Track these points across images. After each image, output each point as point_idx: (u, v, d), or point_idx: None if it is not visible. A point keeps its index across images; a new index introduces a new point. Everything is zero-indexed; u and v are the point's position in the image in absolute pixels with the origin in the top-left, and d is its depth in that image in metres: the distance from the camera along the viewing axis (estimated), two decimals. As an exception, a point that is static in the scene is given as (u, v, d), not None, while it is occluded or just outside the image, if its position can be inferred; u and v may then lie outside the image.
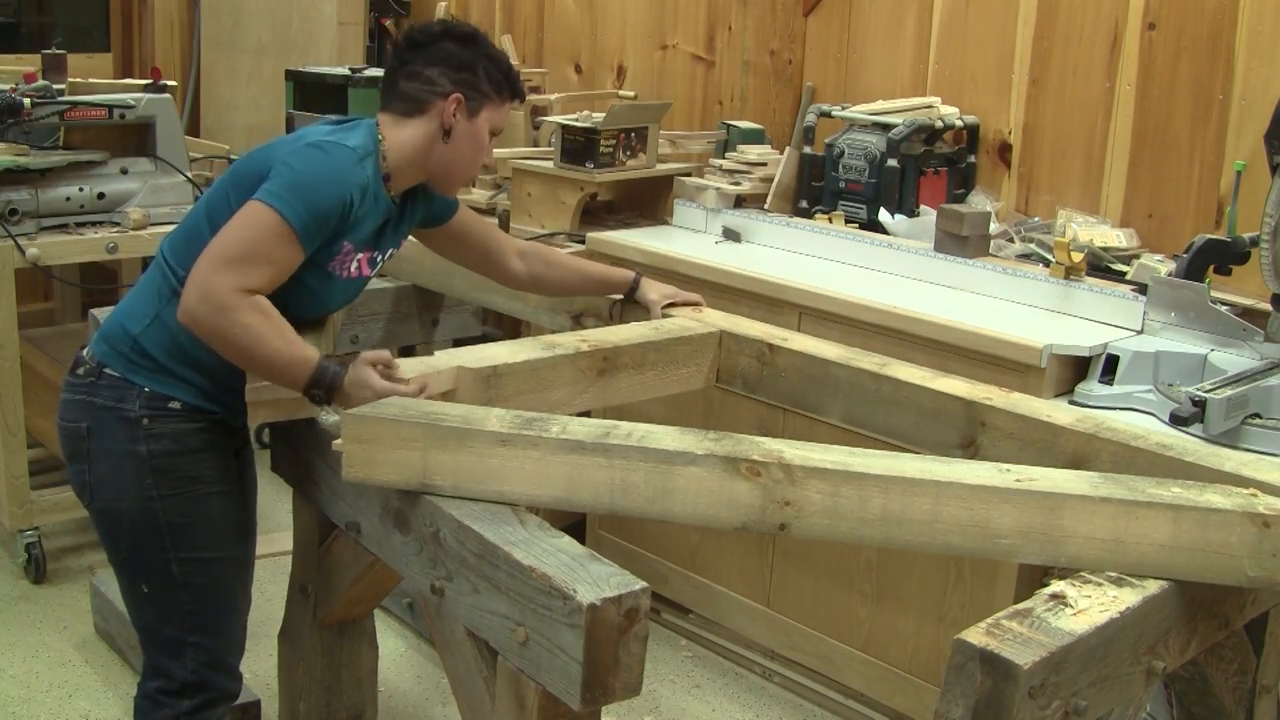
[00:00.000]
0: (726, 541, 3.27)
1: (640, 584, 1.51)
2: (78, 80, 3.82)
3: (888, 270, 3.19)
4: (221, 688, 2.15)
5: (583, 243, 3.54)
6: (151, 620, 2.13)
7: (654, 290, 2.53)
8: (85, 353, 2.11)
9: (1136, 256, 3.03)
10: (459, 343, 3.30)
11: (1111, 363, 2.60)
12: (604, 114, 3.61)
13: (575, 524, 3.60)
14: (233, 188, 2.02)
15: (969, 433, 2.09)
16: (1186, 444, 1.94)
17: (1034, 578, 2.44)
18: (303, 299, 2.05)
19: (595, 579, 1.51)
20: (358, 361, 1.89)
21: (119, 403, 2.04)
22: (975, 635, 1.46)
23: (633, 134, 3.63)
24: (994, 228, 3.21)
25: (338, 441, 1.80)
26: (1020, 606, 1.54)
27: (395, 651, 3.31)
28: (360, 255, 2.11)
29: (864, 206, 3.39)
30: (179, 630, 2.11)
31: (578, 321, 2.67)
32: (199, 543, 2.09)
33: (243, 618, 2.20)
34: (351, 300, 2.27)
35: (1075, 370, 2.66)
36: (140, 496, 2.05)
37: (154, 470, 2.04)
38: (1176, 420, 2.29)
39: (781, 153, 3.63)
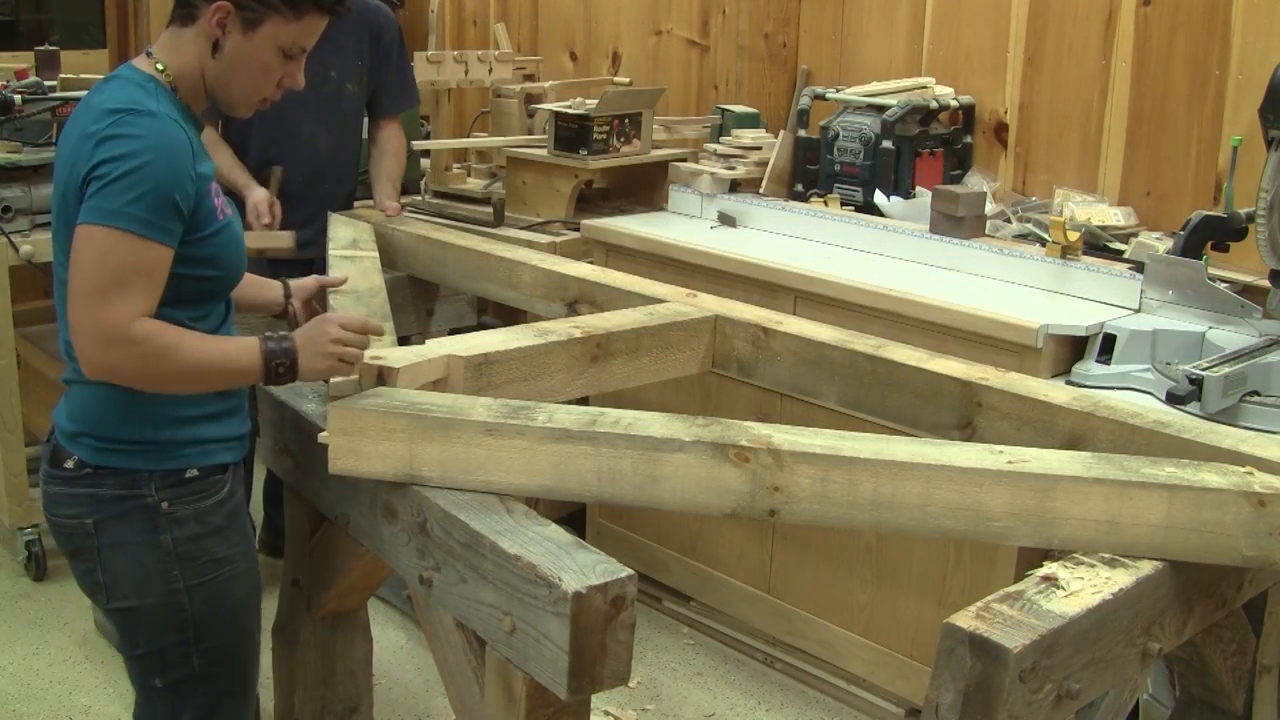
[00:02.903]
0: (726, 528, 3.26)
1: (626, 571, 1.50)
2: (70, 76, 3.81)
3: (883, 253, 3.17)
4: None
5: (578, 230, 3.53)
6: (162, 715, 1.96)
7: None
8: (55, 447, 1.90)
9: (1134, 235, 3.01)
10: (454, 332, 3.29)
11: (1109, 342, 2.58)
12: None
13: (576, 513, 3.59)
14: (63, 222, 1.79)
15: (966, 413, 2.08)
16: (1184, 421, 1.93)
17: (1034, 560, 2.43)
18: (229, 253, 1.89)
19: (581, 567, 1.49)
20: (307, 324, 1.85)
21: (132, 489, 1.85)
22: (964, 619, 1.44)
23: (626, 120, 3.61)
24: (991, 208, 3.19)
25: (324, 434, 1.78)
26: (1011, 589, 1.52)
27: (395, 643, 3.31)
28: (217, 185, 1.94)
29: (859, 189, 3.36)
30: None
31: (572, 309, 2.66)
32: (222, 630, 1.93)
33: (254, 700, 2.07)
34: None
35: (1072, 350, 2.63)
36: (166, 590, 1.87)
37: (180, 559, 1.86)
38: (1173, 399, 2.27)
39: (776, 136, 3.61)
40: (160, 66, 1.84)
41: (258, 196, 3.06)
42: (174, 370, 1.74)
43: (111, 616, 1.94)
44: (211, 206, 1.85)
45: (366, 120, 3.51)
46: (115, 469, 1.84)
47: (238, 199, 3.00)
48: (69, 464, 1.86)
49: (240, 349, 1.80)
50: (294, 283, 2.28)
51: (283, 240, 3.00)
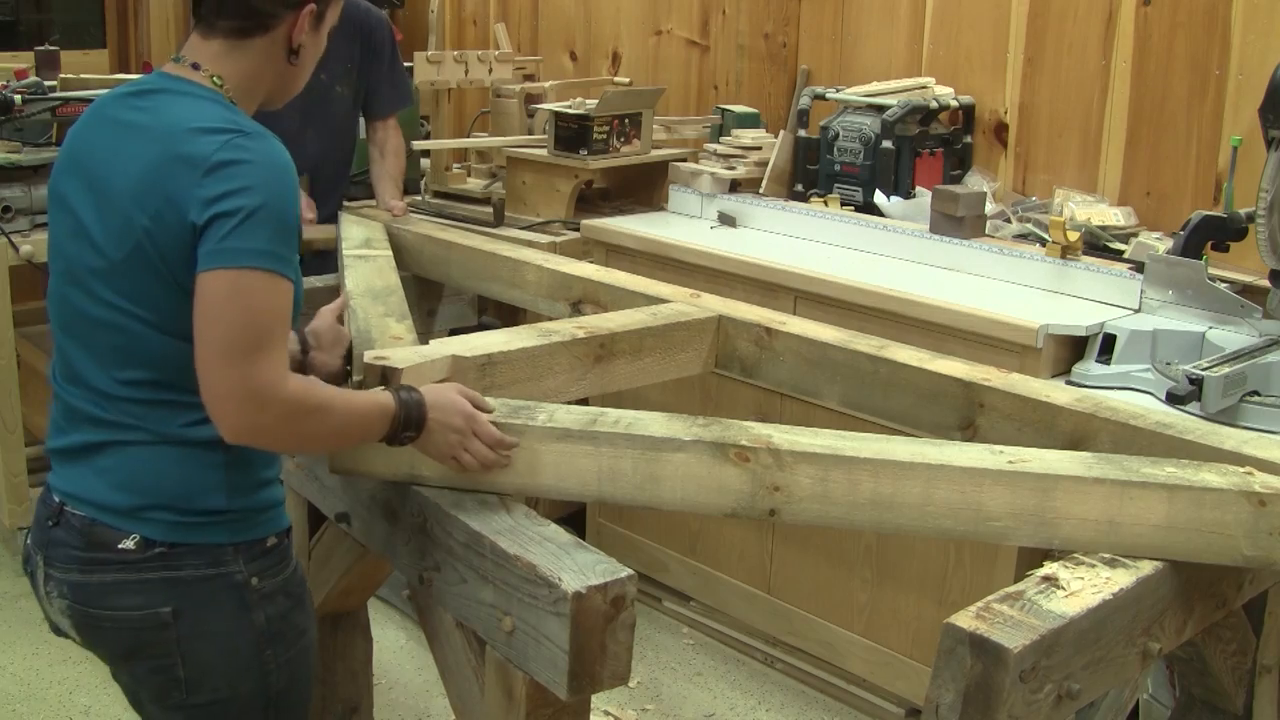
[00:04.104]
0: (727, 528, 3.26)
1: (626, 571, 1.49)
2: (69, 76, 3.81)
3: (883, 253, 3.17)
4: None
5: (578, 230, 3.53)
6: None
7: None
8: (92, 524, 1.63)
9: (1134, 235, 3.01)
10: (455, 332, 3.29)
11: (1109, 342, 2.58)
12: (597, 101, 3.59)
13: (576, 513, 3.59)
14: (140, 256, 1.57)
15: (968, 414, 2.07)
16: (1186, 422, 1.92)
17: (1034, 560, 2.43)
18: (300, 289, 1.69)
19: (581, 567, 1.49)
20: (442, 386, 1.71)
21: (218, 567, 1.64)
22: (964, 619, 1.44)
23: (626, 120, 3.61)
24: (991, 208, 3.19)
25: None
26: (1011, 589, 1.52)
27: (395, 643, 3.31)
28: None
29: (859, 189, 3.36)
30: None
31: (576, 309, 2.66)
32: (299, 697, 1.78)
33: None
34: None
35: (1072, 350, 2.64)
36: (259, 673, 1.68)
37: (272, 638, 1.68)
38: (1173, 399, 2.27)
39: (776, 136, 3.61)
40: (218, 80, 1.65)
41: None
42: (322, 431, 1.58)
43: (186, 712, 1.69)
44: None
45: (364, 122, 3.51)
46: (197, 545, 1.63)
47: None
48: (128, 544, 1.61)
49: (374, 406, 1.62)
50: (311, 331, 2.06)
51: (328, 231, 3.11)
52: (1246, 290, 2.67)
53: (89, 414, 1.65)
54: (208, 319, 1.51)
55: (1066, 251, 2.85)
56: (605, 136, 3.56)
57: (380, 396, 1.63)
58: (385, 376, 1.86)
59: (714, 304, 2.46)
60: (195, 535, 1.63)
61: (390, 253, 2.88)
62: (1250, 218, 2.54)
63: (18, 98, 3.43)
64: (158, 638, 1.63)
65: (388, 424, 1.62)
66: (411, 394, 1.65)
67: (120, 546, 1.61)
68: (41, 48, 4.22)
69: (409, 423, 1.63)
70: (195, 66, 1.66)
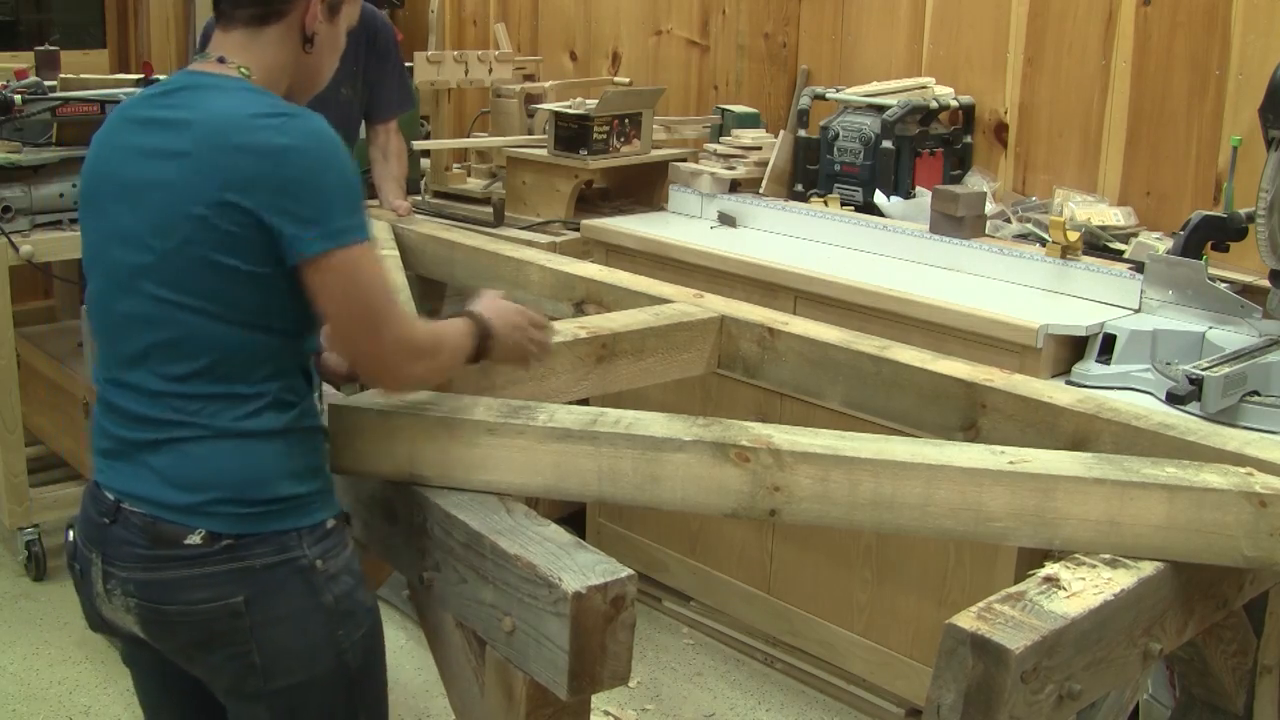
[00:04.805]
0: (727, 528, 3.26)
1: (627, 571, 1.49)
2: (69, 76, 3.81)
3: (883, 253, 3.17)
4: None
5: (578, 230, 3.53)
6: None
7: None
8: (155, 522, 1.62)
9: (1134, 235, 3.01)
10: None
11: (1109, 342, 2.58)
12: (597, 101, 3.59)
13: (576, 513, 3.59)
14: (194, 249, 1.58)
15: (970, 415, 2.07)
16: (1188, 424, 1.92)
17: (1034, 560, 2.43)
18: None
19: (581, 567, 1.49)
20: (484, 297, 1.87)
21: (284, 553, 1.64)
22: (966, 619, 1.44)
23: (626, 120, 3.61)
24: (991, 208, 3.19)
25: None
26: (1012, 590, 1.52)
27: (395, 643, 3.30)
28: None
29: (859, 189, 3.36)
30: None
31: (579, 309, 2.66)
32: (376, 675, 1.78)
33: None
34: None
35: (1072, 350, 2.63)
36: (334, 654, 1.68)
37: (342, 617, 1.68)
38: (1173, 399, 2.27)
39: (776, 136, 3.61)
40: (244, 71, 1.68)
41: None
42: (448, 360, 1.75)
43: (266, 701, 1.69)
44: None
45: (364, 125, 3.53)
46: (264, 534, 1.63)
47: None
48: (194, 539, 1.60)
49: (459, 323, 1.78)
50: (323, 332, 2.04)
51: None
52: (1246, 290, 2.67)
53: (137, 413, 1.64)
54: (335, 301, 1.61)
55: (1066, 251, 2.85)
56: (605, 136, 3.56)
57: (458, 319, 1.80)
58: None
59: (717, 304, 2.46)
60: (261, 524, 1.63)
61: (397, 252, 2.88)
62: (1250, 218, 2.54)
63: (18, 98, 3.43)
64: (231, 626, 1.62)
65: (471, 334, 1.77)
66: (473, 313, 1.81)
67: (186, 542, 1.60)
68: (41, 48, 4.22)
69: (486, 330, 1.78)
70: (221, 60, 1.69)
